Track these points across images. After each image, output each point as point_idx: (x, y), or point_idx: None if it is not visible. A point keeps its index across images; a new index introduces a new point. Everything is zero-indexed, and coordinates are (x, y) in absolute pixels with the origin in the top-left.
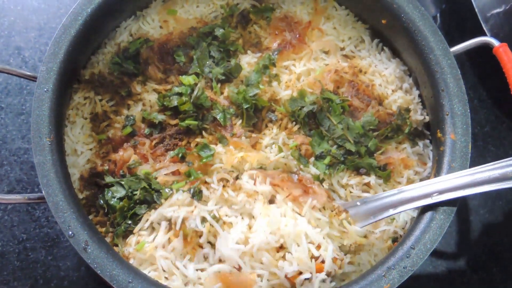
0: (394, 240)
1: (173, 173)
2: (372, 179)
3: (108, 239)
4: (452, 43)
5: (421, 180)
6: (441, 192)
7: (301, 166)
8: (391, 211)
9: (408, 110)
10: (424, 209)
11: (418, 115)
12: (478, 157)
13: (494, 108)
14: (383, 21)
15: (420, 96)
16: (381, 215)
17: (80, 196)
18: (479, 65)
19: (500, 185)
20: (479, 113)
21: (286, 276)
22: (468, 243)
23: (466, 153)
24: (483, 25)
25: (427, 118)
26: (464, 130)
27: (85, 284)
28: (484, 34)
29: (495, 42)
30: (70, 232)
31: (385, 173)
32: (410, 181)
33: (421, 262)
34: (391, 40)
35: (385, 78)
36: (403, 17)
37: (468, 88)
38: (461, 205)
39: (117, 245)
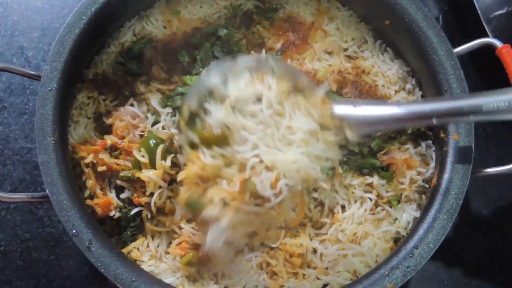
0: (396, 240)
1: None
2: (375, 179)
3: (113, 240)
4: (454, 45)
5: (423, 180)
6: (444, 114)
7: None
8: (389, 126)
9: None
10: (426, 209)
11: None
12: (480, 159)
13: None
14: (387, 22)
15: (423, 97)
16: (377, 127)
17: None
18: (482, 66)
19: (506, 115)
20: None
21: None
22: (470, 244)
23: (469, 153)
24: (486, 27)
25: None
26: (467, 131)
27: (88, 283)
28: (486, 36)
29: (498, 43)
30: (74, 231)
31: (388, 174)
32: (413, 182)
33: (424, 261)
34: (394, 41)
35: (388, 79)
36: (406, 18)
37: (471, 89)
38: (463, 206)
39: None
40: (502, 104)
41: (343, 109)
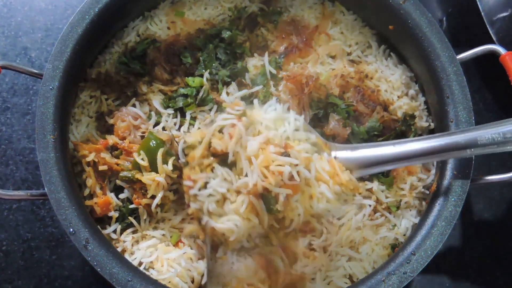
0: (394, 247)
1: None
2: (374, 185)
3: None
4: (458, 46)
5: (424, 187)
6: (442, 150)
7: None
8: (387, 166)
9: (413, 117)
10: (425, 215)
11: (423, 122)
12: (483, 160)
13: (500, 112)
14: (390, 27)
15: (426, 102)
16: (376, 168)
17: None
18: (485, 68)
19: (503, 147)
20: (484, 117)
21: None
22: (472, 246)
23: (470, 160)
24: (489, 29)
25: (432, 125)
26: None
27: (89, 283)
28: (490, 38)
29: (501, 50)
30: (71, 229)
31: (388, 179)
32: (413, 188)
33: (421, 268)
34: (398, 46)
35: (391, 84)
36: (410, 23)
37: (474, 91)
38: (465, 209)
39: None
40: (497, 136)
41: (342, 154)
